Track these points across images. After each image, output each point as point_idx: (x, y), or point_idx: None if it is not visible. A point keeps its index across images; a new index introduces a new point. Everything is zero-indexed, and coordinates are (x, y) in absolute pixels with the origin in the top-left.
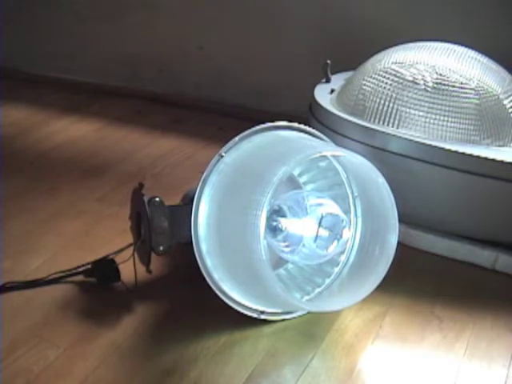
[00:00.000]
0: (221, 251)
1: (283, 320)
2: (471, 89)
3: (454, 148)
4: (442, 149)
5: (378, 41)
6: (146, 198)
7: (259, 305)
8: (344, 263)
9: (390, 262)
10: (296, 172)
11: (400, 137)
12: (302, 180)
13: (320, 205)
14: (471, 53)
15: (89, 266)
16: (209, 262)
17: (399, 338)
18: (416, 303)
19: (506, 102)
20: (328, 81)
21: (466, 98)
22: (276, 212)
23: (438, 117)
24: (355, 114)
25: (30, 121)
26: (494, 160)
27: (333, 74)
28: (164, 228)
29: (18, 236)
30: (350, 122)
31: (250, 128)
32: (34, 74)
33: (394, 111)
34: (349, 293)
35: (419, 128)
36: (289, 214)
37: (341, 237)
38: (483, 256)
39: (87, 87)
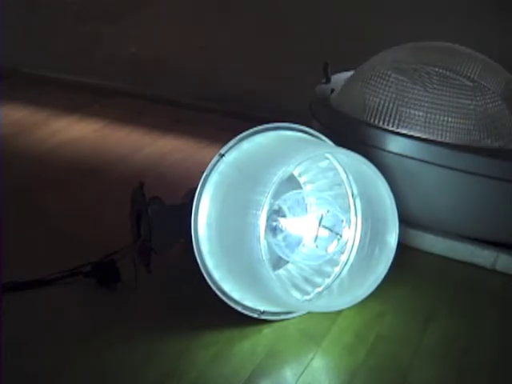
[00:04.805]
0: (221, 251)
1: (283, 320)
2: (471, 89)
3: (453, 148)
4: (442, 149)
5: (378, 41)
6: (146, 198)
7: (259, 305)
8: (344, 263)
9: (389, 262)
10: (296, 172)
11: (400, 136)
12: (302, 180)
13: (320, 205)
14: (471, 52)
15: (89, 266)
16: (209, 262)
17: (399, 337)
18: (416, 303)
19: (505, 101)
20: (328, 81)
21: (466, 97)
22: (276, 212)
23: (437, 116)
24: (355, 113)
25: (30, 121)
26: (493, 160)
27: (333, 74)
28: (164, 228)
29: (17, 236)
30: (349, 121)
31: (250, 128)
32: (34, 74)
33: (394, 111)
34: (349, 293)
35: (419, 128)
36: (289, 213)
37: (341, 237)
38: (483, 256)
39: (87, 87)
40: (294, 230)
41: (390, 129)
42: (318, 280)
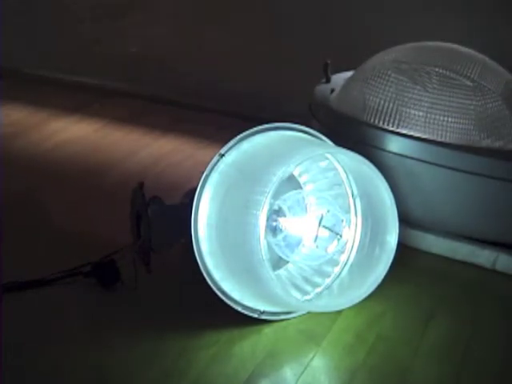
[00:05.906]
0: (221, 251)
1: (283, 320)
2: (471, 89)
3: (453, 148)
4: (442, 149)
5: (378, 41)
6: (146, 198)
7: (259, 305)
8: (344, 263)
9: (389, 262)
10: (296, 172)
11: (400, 137)
12: (302, 180)
13: (320, 205)
14: (471, 52)
15: (89, 266)
16: (209, 262)
17: (399, 337)
18: (416, 303)
19: (505, 101)
20: (328, 81)
21: (466, 97)
22: (276, 212)
23: (437, 117)
24: (355, 113)
25: (30, 121)
26: (494, 160)
27: (333, 74)
28: (164, 228)
29: (17, 236)
30: (349, 121)
31: (250, 128)
32: (34, 74)
33: (394, 111)
34: (349, 293)
35: (419, 128)
36: (289, 213)
37: (341, 237)
38: (483, 256)
39: (87, 87)
40: (293, 230)
41: (390, 129)
42: (318, 280)
